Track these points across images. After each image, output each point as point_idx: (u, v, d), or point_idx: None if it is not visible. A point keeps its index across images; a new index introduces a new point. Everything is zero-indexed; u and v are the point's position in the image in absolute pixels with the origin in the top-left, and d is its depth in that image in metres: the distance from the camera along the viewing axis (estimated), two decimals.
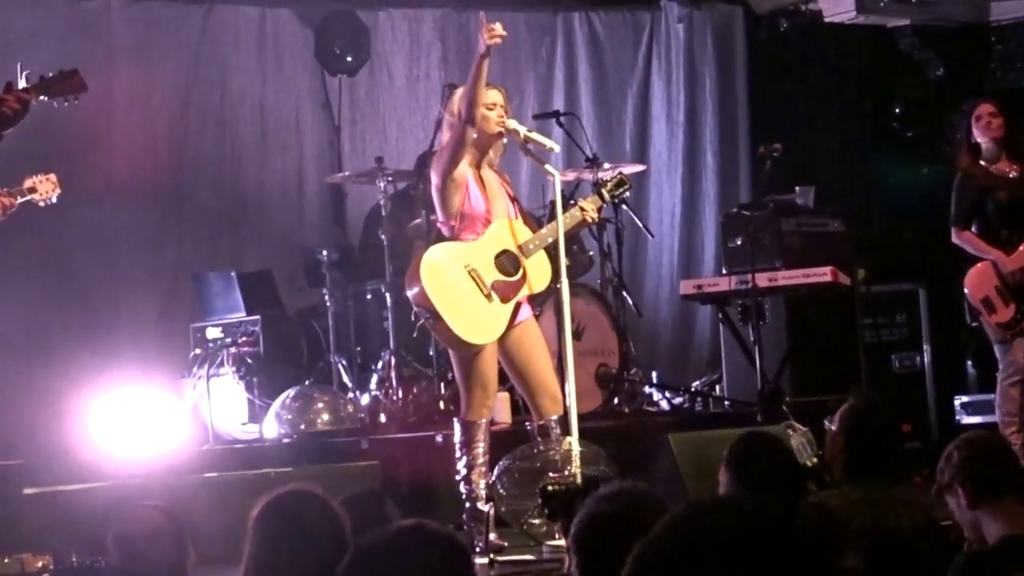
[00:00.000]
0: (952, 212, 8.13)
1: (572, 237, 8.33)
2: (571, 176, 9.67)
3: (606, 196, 7.44)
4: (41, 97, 6.68)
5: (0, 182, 7.19)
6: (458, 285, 6.90)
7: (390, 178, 9.55)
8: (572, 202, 8.44)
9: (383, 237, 9.41)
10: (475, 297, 6.90)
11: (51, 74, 6.71)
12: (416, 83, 11.52)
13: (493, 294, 6.92)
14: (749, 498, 2.40)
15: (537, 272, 7.05)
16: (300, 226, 11.09)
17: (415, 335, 9.01)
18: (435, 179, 7.03)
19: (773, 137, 9.64)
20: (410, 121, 11.43)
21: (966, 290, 8.08)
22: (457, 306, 6.86)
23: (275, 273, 10.22)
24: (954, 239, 8.11)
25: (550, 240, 7.01)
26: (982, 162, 8.11)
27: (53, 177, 7.37)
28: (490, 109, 7.00)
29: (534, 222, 7.85)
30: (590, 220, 7.33)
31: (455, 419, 7.10)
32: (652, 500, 3.32)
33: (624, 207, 9.56)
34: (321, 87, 11.29)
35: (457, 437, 7.02)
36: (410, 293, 6.98)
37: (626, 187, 7.57)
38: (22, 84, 6.61)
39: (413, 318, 7.11)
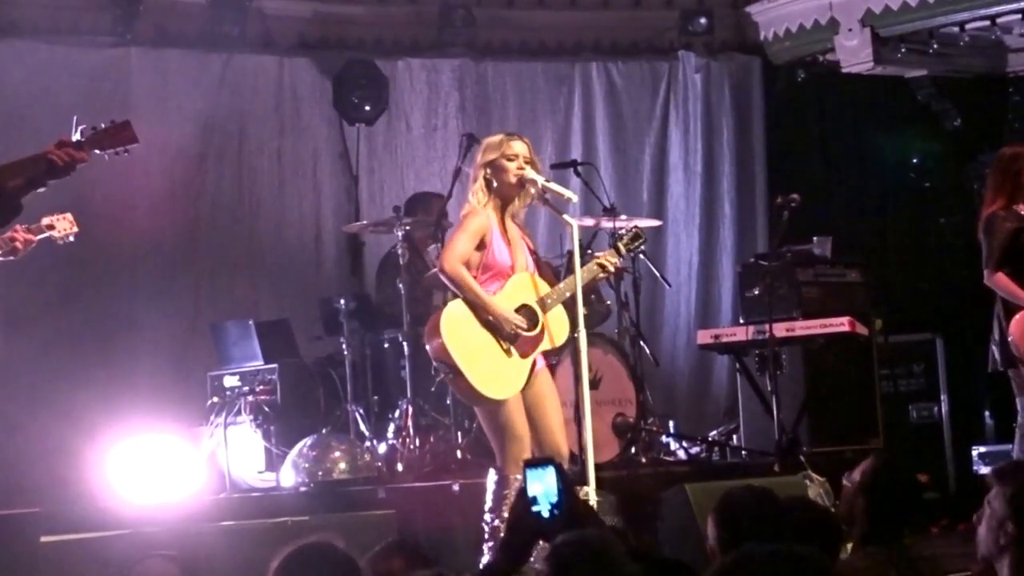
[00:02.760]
0: (984, 254, 8.03)
1: (590, 287, 8.29)
2: (589, 225, 9.71)
3: (622, 250, 7.40)
4: (94, 151, 6.57)
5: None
6: (478, 339, 6.88)
7: (408, 227, 9.56)
8: (588, 251, 8.48)
9: (400, 286, 9.41)
10: (495, 352, 6.89)
11: (103, 126, 6.59)
12: (434, 132, 11.58)
13: (512, 349, 6.91)
14: (797, 548, 2.41)
15: (556, 326, 7.06)
16: (317, 275, 11.13)
17: (433, 388, 9.10)
18: (441, 262, 7.04)
19: (790, 187, 9.65)
20: (428, 170, 11.48)
21: (1011, 337, 7.95)
22: (477, 361, 6.83)
23: (292, 322, 10.23)
24: (987, 281, 8.03)
25: (568, 294, 7.00)
26: (1014, 206, 8.07)
27: (69, 216, 7.44)
28: (511, 160, 7.02)
29: (552, 273, 7.86)
30: (610, 271, 7.34)
31: (492, 467, 7.02)
32: (616, 549, 3.39)
33: (642, 257, 9.64)
34: (339, 136, 11.36)
35: (491, 485, 6.97)
36: (429, 347, 6.98)
37: (641, 241, 7.53)
38: (76, 137, 6.50)
39: (433, 372, 7.10)
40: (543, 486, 3.49)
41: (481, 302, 6.90)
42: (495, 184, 7.05)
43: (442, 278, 7.01)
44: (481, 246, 6.99)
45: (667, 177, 12.13)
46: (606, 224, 9.57)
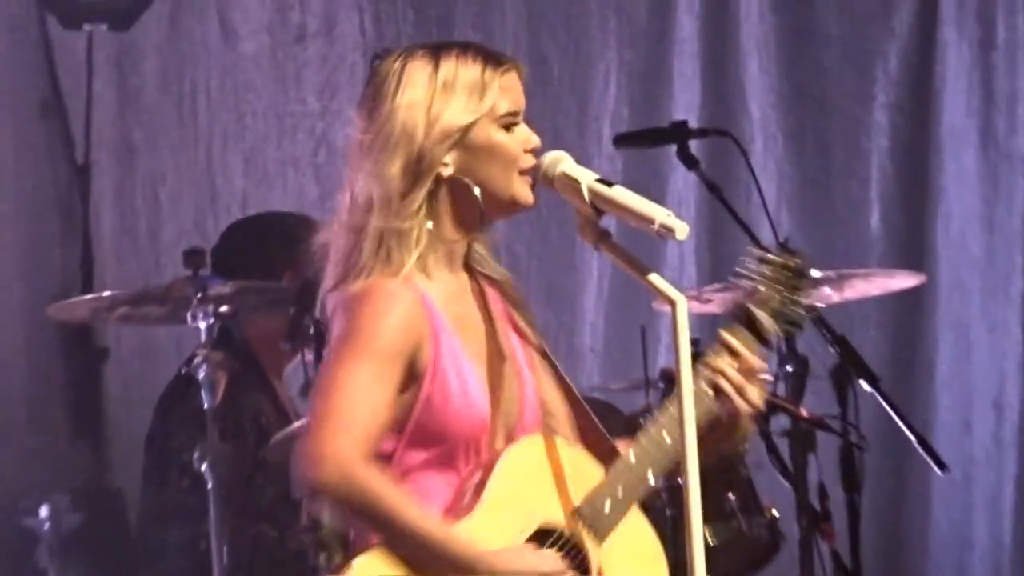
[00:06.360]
0: None
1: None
2: (719, 299, 10.21)
3: (768, 325, 7.62)
4: None
5: None
6: None
7: (228, 305, 10.29)
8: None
9: (204, 469, 9.94)
10: None
11: None
12: (300, 48, 11.77)
13: None
14: None
15: (633, 562, 7.38)
16: None
17: None
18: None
19: None
20: (285, 150, 11.60)
21: None
22: None
23: None
24: None
25: (650, 479, 7.33)
26: None
27: None
28: (511, 127, 7.30)
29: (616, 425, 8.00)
30: (742, 408, 7.48)
31: None
32: None
33: (864, 386, 9.83)
34: (41, 56, 11.68)
35: None
36: None
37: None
38: None
39: None
40: None
41: (428, 541, 7.09)
42: (470, 194, 7.24)
43: (324, 493, 7.13)
44: (413, 374, 7.14)
45: (933, 167, 12.29)
46: (765, 293, 9.51)
